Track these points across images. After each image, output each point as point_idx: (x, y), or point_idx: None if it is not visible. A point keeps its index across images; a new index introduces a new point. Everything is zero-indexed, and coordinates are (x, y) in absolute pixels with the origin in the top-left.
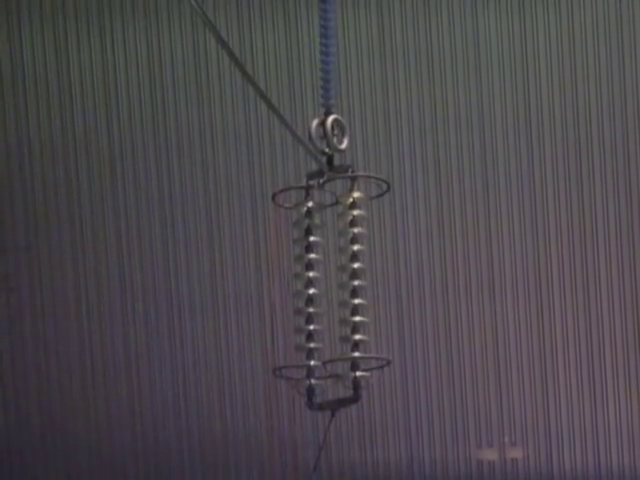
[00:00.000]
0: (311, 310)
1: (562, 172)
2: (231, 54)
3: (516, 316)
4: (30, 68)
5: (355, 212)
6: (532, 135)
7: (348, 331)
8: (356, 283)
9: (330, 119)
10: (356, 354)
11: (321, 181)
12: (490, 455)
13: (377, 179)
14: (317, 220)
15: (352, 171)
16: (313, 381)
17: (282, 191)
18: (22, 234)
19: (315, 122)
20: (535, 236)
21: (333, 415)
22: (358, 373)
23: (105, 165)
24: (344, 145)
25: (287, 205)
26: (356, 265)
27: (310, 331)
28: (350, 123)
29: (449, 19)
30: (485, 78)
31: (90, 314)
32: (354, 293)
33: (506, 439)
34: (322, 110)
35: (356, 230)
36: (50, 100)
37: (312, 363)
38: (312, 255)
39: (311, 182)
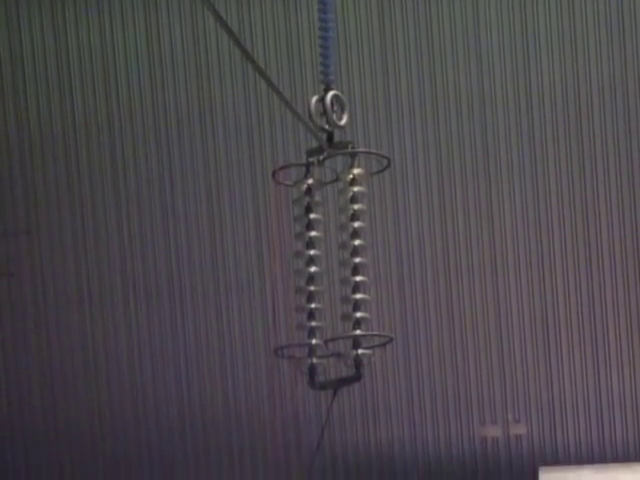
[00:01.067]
0: (312, 288)
1: (563, 149)
2: (230, 32)
3: (518, 293)
4: (29, 51)
5: (355, 188)
6: (532, 111)
7: (349, 309)
8: (357, 260)
9: (329, 95)
10: (358, 332)
11: (321, 158)
12: (494, 432)
13: (377, 155)
14: (317, 197)
15: (352, 147)
16: (315, 360)
17: (282, 168)
18: (23, 218)
19: (314, 98)
20: (537, 215)
21: (335, 394)
22: (360, 351)
23: (105, 147)
24: (344, 121)
25: (287, 182)
26: (357, 242)
27: (311, 309)
28: (350, 99)
29: None
30: (485, 53)
31: (91, 297)
32: (355, 270)
33: (509, 416)
34: (322, 86)
35: (356, 207)
36: (49, 84)
37: (314, 342)
38: (313, 233)
39: (311, 159)
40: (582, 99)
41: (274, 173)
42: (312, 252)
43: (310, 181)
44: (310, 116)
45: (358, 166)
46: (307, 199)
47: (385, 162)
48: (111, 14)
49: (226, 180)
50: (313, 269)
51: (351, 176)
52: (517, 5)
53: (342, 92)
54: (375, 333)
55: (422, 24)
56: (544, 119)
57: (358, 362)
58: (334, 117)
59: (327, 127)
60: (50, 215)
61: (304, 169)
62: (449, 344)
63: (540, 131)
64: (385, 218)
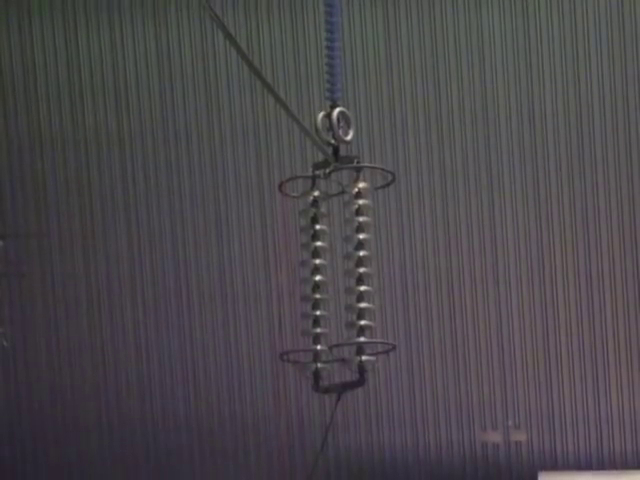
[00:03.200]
0: (317, 296)
1: (565, 161)
2: (238, 48)
3: (519, 301)
4: (41, 64)
5: (361, 201)
6: (535, 125)
7: (354, 317)
8: (362, 270)
9: (336, 111)
10: (362, 339)
11: (327, 171)
12: (494, 438)
13: (382, 170)
14: (323, 209)
15: (358, 162)
16: (319, 365)
17: (289, 180)
18: (34, 220)
19: (321, 114)
20: (539, 227)
21: (339, 398)
22: (364, 357)
23: (115, 155)
24: (349, 137)
25: (294, 194)
26: (362, 253)
27: (316, 317)
28: (356, 114)
29: (453, 11)
30: (489, 69)
31: (101, 301)
32: (360, 280)
33: (510, 422)
34: (328, 103)
35: (362, 219)
36: (61, 91)
37: (318, 347)
38: (318, 243)
39: (317, 172)
40: (584, 115)
41: (281, 185)
42: (318, 261)
43: (316, 193)
44: (317, 131)
45: (363, 180)
46: (313, 210)
47: (390, 177)
48: (122, 27)
49: (234, 190)
50: (318, 278)
51: (356, 189)
52: (520, 23)
53: (348, 107)
54: (379, 340)
55: (427, 41)
56: (546, 135)
57: (362, 368)
58: (340, 132)
59: (333, 142)
60: (61, 218)
61: (310, 182)
62: (451, 351)
63: (542, 147)
64: (389, 230)
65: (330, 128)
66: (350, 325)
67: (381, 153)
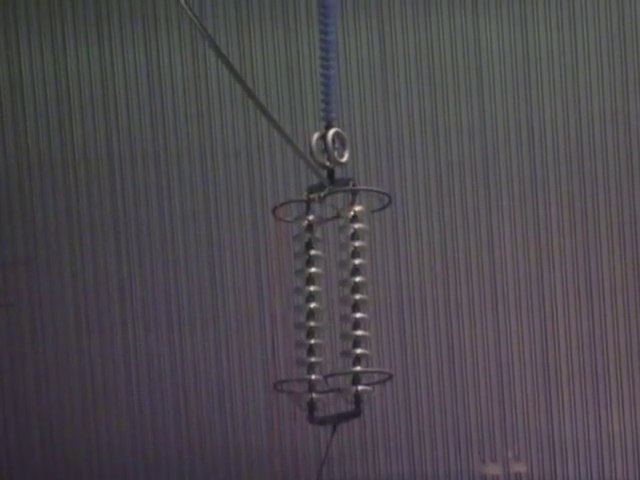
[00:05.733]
0: (312, 324)
1: (564, 175)
2: (231, 68)
3: (519, 327)
4: (28, 81)
5: (356, 225)
6: (534, 140)
7: (349, 345)
8: (357, 297)
9: (331, 132)
10: (357, 368)
11: (322, 194)
12: (494, 470)
13: (378, 192)
14: (318, 234)
15: (353, 184)
16: (314, 395)
17: (282, 205)
18: (21, 248)
19: (316, 136)
20: (538, 245)
21: (335, 429)
22: (360, 387)
23: (104, 179)
24: (345, 158)
25: (288, 219)
26: (357, 279)
27: (311, 345)
28: (351, 135)
29: (450, 29)
30: (487, 88)
31: (90, 328)
32: (355, 307)
33: (510, 453)
34: (323, 124)
35: (357, 244)
36: (49, 112)
37: (313, 377)
38: (313, 269)
39: (312, 196)
40: (584, 128)
41: (274, 209)
42: (312, 288)
43: (311, 217)
44: (311, 153)
45: (359, 203)
46: (307, 235)
47: (386, 199)
48: (111, 43)
49: (226, 214)
50: (313, 305)
51: (352, 213)
52: (519, 37)
53: (343, 128)
54: (375, 370)
55: (424, 59)
56: (546, 149)
57: (358, 398)
58: (335, 154)
59: (328, 164)
60: (49, 246)
61: (305, 205)
62: (449, 380)
63: (542, 161)
64: (385, 254)
65: (325, 150)
66: (345, 353)
67: (377, 174)
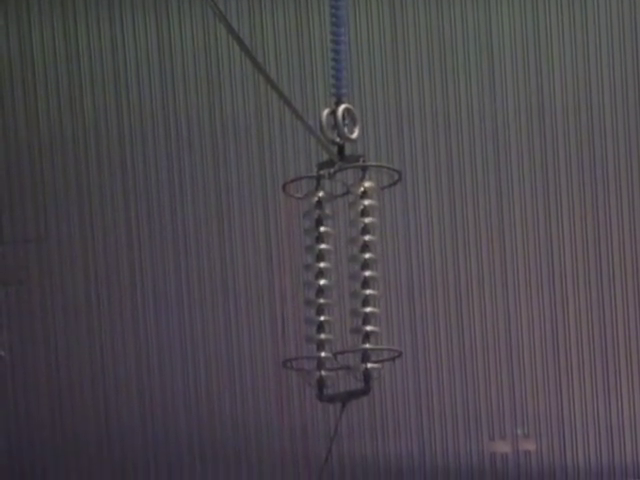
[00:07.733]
0: (322, 301)
1: (575, 164)
2: (241, 44)
3: (529, 306)
4: (40, 59)
5: (366, 202)
6: (545, 122)
7: (359, 322)
8: (367, 274)
9: (341, 108)
10: (367, 345)
11: (332, 171)
12: (503, 447)
13: (388, 168)
14: (328, 210)
15: (363, 161)
16: (324, 373)
17: (292, 181)
18: (32, 226)
19: (326, 111)
20: (548, 225)
21: (344, 407)
22: (369, 365)
23: (115, 156)
24: (355, 134)
25: (298, 195)
26: (367, 255)
27: (321, 322)
28: (362, 112)
29: (461, 7)
30: (497, 68)
31: (100, 306)
32: (365, 284)
33: (519, 431)
34: (333, 99)
35: (367, 220)
36: (60, 92)
37: (323, 355)
38: (323, 246)
39: (322, 172)
40: (594, 113)
41: (285, 185)
42: (322, 265)
43: (321, 194)
44: (321, 129)
45: (369, 179)
46: (317, 212)
47: (396, 176)
48: (122, 19)
49: (237, 191)
50: (323, 282)
51: (362, 189)
52: (530, 19)
53: (354, 104)
54: (384, 347)
55: (435, 37)
56: (556, 131)
57: (367, 376)
58: (345, 130)
59: (338, 140)
60: (59, 223)
61: (315, 182)
62: (458, 358)
63: (552, 143)
64: (396, 231)
65: (335, 126)
66: (355, 331)
67: (387, 151)
